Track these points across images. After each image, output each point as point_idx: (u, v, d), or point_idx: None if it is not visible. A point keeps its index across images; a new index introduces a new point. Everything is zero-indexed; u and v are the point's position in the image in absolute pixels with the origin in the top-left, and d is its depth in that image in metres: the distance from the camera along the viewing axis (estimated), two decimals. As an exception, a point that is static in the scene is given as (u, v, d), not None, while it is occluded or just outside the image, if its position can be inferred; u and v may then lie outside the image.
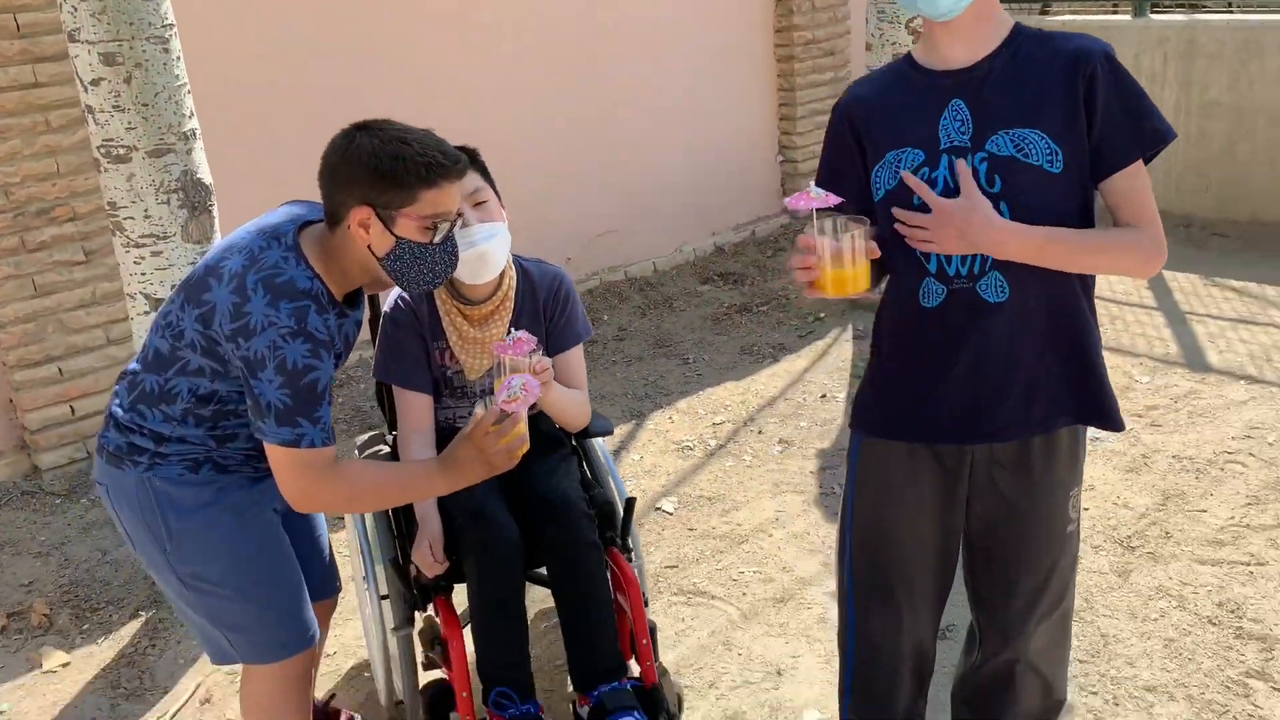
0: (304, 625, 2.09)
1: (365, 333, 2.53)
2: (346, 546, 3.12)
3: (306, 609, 2.10)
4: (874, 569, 2.00)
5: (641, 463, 3.93)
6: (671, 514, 3.59)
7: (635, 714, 2.17)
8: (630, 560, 2.44)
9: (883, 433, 1.93)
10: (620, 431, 4.17)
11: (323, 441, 1.79)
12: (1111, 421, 1.86)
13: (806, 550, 3.30)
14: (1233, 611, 2.85)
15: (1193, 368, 4.29)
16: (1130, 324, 4.76)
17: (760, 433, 4.11)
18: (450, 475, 1.85)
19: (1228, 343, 4.48)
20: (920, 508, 1.93)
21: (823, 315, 5.20)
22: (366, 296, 2.47)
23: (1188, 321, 4.73)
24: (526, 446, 1.84)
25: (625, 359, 4.87)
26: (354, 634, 3.01)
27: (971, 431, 1.85)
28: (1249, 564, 3.05)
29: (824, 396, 4.35)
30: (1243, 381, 4.13)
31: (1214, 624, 2.81)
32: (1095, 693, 2.60)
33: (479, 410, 1.84)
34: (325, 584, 2.32)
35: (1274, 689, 2.57)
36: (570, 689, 2.52)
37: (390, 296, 2.41)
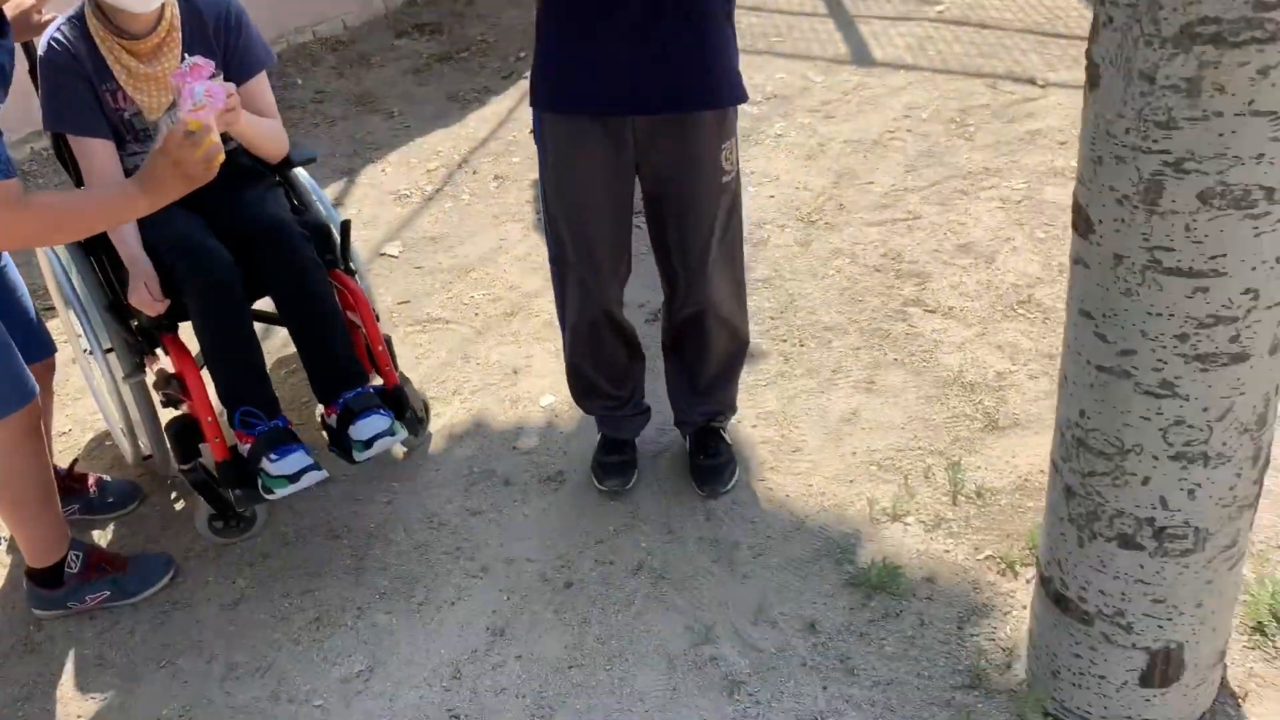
0: (19, 380, 2.06)
1: (29, 128, 2.37)
2: (63, 333, 3.01)
3: (18, 364, 2.06)
4: (562, 237, 2.19)
5: (360, 215, 3.93)
6: (397, 256, 3.66)
7: (380, 411, 2.31)
8: (355, 280, 2.52)
9: (551, 105, 2.06)
10: (334, 190, 4.12)
11: (4, 174, 1.73)
12: (735, 95, 2.06)
13: (530, 269, 3.49)
14: (894, 259, 3.31)
15: (860, 64, 4.68)
16: (805, 31, 5.08)
17: (475, 172, 4.18)
18: (149, 192, 1.81)
19: (889, 38, 4.90)
20: (593, 175, 2.10)
21: (523, 54, 5.20)
22: (20, 46, 2.30)
23: (855, 23, 5.10)
24: (223, 156, 1.83)
25: (328, 120, 4.73)
26: (87, 409, 2.96)
27: (623, 103, 2.01)
28: (907, 219, 3.51)
29: (533, 131, 4.43)
30: (902, 70, 4.57)
31: (879, 271, 3.26)
32: (784, 340, 3.00)
33: (165, 125, 1.82)
34: (36, 346, 2.26)
35: (926, 311, 3.06)
36: (317, 417, 2.64)
37: (43, 39, 2.25)
